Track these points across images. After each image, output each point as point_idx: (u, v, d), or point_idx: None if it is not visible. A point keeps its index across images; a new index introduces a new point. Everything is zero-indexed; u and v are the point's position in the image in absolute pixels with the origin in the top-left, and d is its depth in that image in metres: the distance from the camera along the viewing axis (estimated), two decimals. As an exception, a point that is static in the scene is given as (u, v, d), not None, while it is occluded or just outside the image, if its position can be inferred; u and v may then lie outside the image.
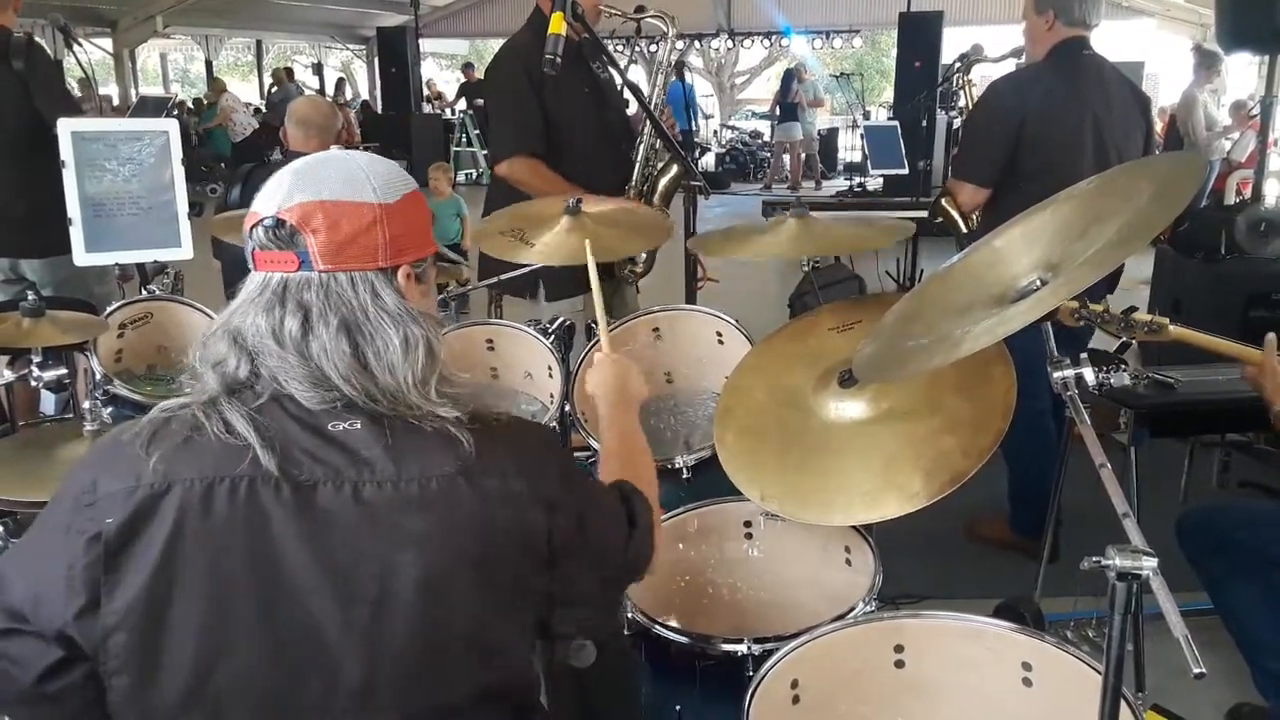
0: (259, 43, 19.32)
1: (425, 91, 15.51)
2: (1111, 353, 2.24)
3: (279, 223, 1.02)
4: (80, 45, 3.98)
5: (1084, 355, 1.44)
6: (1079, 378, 1.43)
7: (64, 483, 1.03)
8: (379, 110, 15.32)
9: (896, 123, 7.87)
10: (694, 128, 14.23)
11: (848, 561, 1.76)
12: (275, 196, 1.03)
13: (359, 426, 1.01)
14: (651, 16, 3.06)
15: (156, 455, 0.98)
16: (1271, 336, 1.92)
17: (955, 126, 9.44)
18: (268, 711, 0.98)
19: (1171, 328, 1.85)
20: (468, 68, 16.75)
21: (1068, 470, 2.57)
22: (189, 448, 0.99)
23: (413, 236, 1.07)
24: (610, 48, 3.15)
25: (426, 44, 15.95)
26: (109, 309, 2.58)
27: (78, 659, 0.98)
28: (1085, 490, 1.58)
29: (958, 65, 5.38)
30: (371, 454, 0.99)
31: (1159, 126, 11.30)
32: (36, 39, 3.44)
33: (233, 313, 1.04)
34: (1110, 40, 13.14)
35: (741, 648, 1.49)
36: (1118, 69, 3.12)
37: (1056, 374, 1.44)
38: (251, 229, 1.04)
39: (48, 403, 3.53)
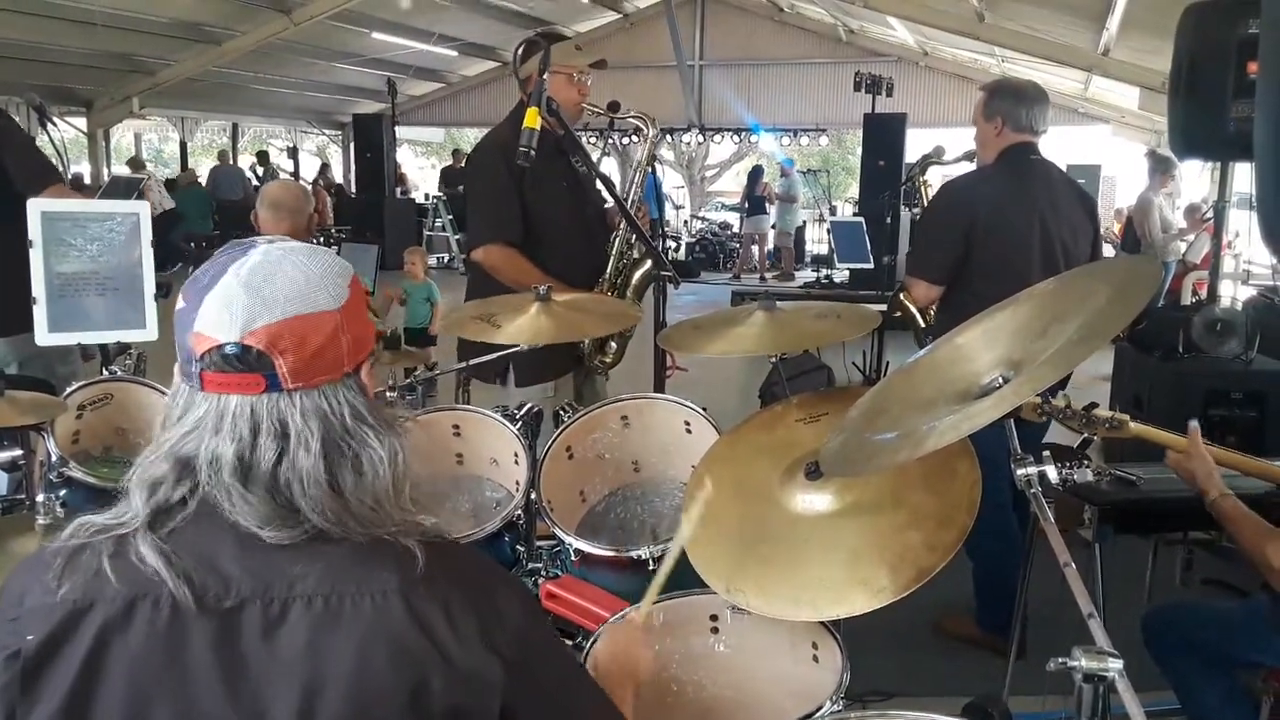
0: (235, 125, 19.53)
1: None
2: (1075, 448, 2.27)
3: (244, 349, 0.94)
4: (54, 124, 3.99)
5: (1046, 453, 1.46)
6: (1042, 475, 1.44)
7: (1, 590, 0.98)
8: (353, 194, 15.51)
9: (862, 219, 8.08)
10: (662, 218, 14.53)
11: (815, 658, 1.73)
12: (234, 319, 0.94)
13: (298, 538, 0.95)
14: (633, 116, 3.14)
15: (83, 565, 0.93)
16: (1194, 423, 1.96)
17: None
18: None
19: (1132, 425, 1.88)
20: (456, 154, 17.18)
21: (1034, 565, 2.57)
22: (104, 572, 0.93)
23: (365, 330, 1.02)
24: (584, 140, 3.22)
25: (402, 131, 16.22)
26: (69, 390, 2.53)
27: None
28: (1052, 586, 1.58)
29: (917, 166, 5.59)
30: (307, 567, 0.94)
31: (1116, 228, 11.69)
32: (7, 112, 3.44)
33: (182, 438, 0.96)
34: (1068, 144, 13.68)
35: (706, 749, 1.46)
36: (1064, 173, 3.26)
37: (1020, 471, 1.45)
38: (204, 354, 0.95)
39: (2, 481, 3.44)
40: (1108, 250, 7.65)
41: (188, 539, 0.94)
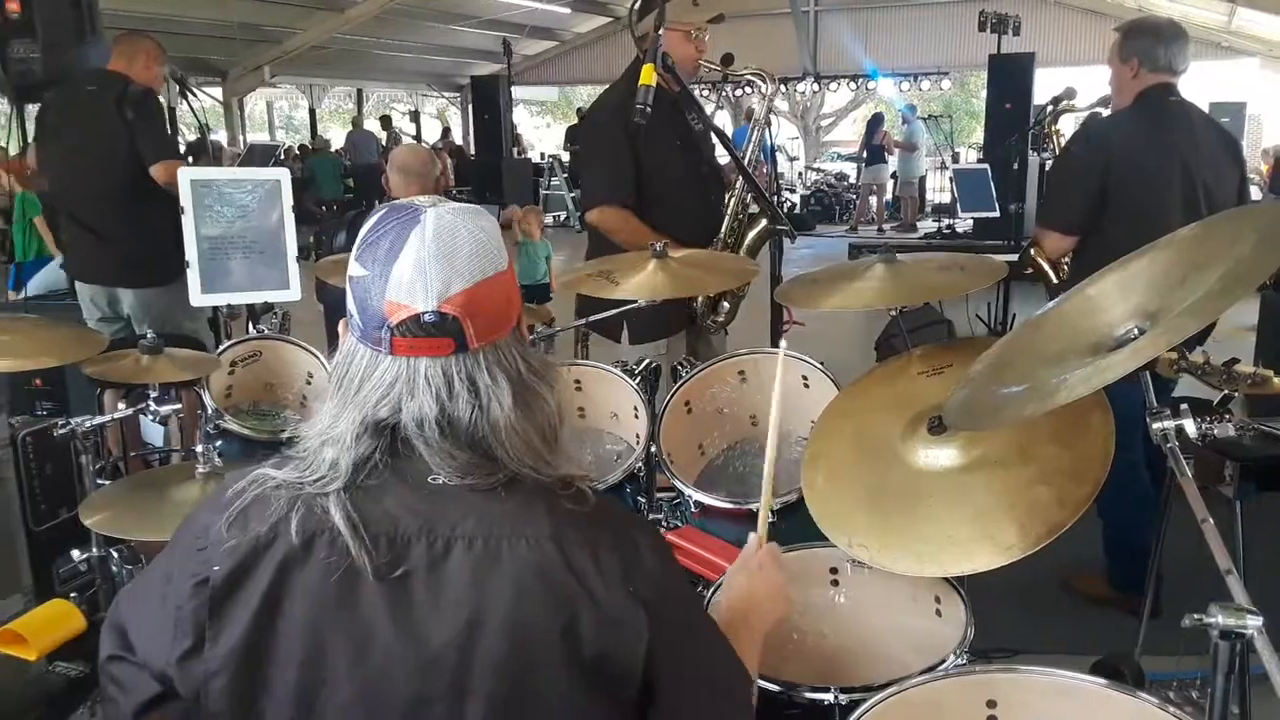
0: (359, 91, 20.13)
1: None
2: (1215, 403, 2.17)
3: (441, 316, 0.98)
4: (194, 94, 4.23)
5: (1184, 406, 1.40)
6: (1179, 429, 1.39)
7: (184, 522, 1.06)
8: (472, 155, 15.82)
9: (987, 165, 7.78)
10: (775, 172, 14.32)
11: (938, 612, 1.73)
12: (429, 288, 0.98)
13: (458, 482, 1.00)
14: (749, 72, 3.11)
15: (262, 514, 0.99)
16: None
17: (1047, 169, 9.27)
18: None
19: (1277, 380, 1.79)
20: (580, 113, 17.36)
21: (1171, 524, 2.48)
22: (287, 516, 0.99)
23: (517, 284, 1.08)
24: (697, 93, 3.20)
25: (518, 91, 16.40)
26: (221, 347, 2.71)
27: (173, 697, 1.01)
28: (1188, 545, 1.53)
29: (1048, 109, 5.31)
30: (469, 510, 0.99)
31: (1264, 169, 10.93)
32: (151, 92, 3.71)
33: (378, 403, 1.00)
34: (1211, 81, 12.81)
35: (828, 696, 1.48)
36: (1207, 114, 3.08)
37: (1156, 425, 1.40)
38: (400, 323, 0.98)
39: (153, 433, 3.71)
40: (1255, 194, 7.17)
41: (372, 497, 0.99)
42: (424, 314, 0.98)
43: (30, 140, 4.14)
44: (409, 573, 0.97)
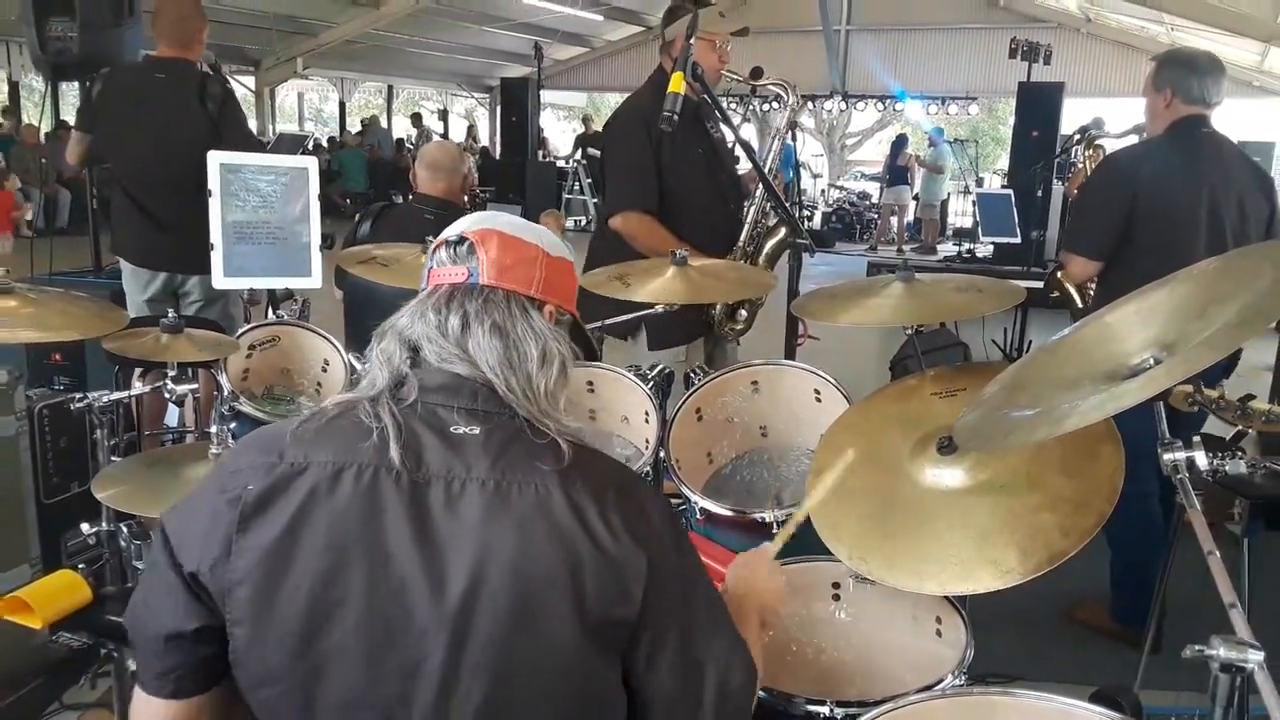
0: (390, 87, 20.23)
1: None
2: (1227, 439, 2.16)
3: (461, 239, 1.19)
4: (229, 83, 4.25)
5: (1196, 439, 1.40)
6: (1190, 461, 1.39)
7: (228, 453, 1.17)
8: (497, 157, 15.89)
9: (1010, 191, 7.76)
10: (797, 186, 14.29)
11: (938, 633, 1.73)
12: (461, 226, 1.22)
13: (477, 432, 1.10)
14: (773, 84, 3.12)
15: (304, 437, 1.10)
16: None
17: (1070, 198, 9.23)
18: (363, 679, 1.04)
19: (1293, 418, 1.78)
20: (587, 120, 17.41)
21: (1176, 561, 2.46)
22: (333, 432, 1.11)
23: (562, 289, 1.23)
24: (725, 105, 3.22)
25: (546, 95, 16.45)
26: (240, 330, 2.72)
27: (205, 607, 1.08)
28: (1194, 583, 1.53)
29: (1078, 138, 5.28)
30: (483, 457, 1.09)
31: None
32: (229, 85, 3.71)
33: (399, 316, 1.19)
34: (1241, 120, 12.71)
35: (824, 710, 1.48)
36: (1239, 149, 3.07)
37: (1167, 456, 1.40)
38: (435, 250, 1.21)
39: (172, 416, 3.74)
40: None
41: (409, 422, 1.10)
42: (450, 238, 1.20)
43: (70, 121, 4.09)
44: (429, 506, 1.06)
